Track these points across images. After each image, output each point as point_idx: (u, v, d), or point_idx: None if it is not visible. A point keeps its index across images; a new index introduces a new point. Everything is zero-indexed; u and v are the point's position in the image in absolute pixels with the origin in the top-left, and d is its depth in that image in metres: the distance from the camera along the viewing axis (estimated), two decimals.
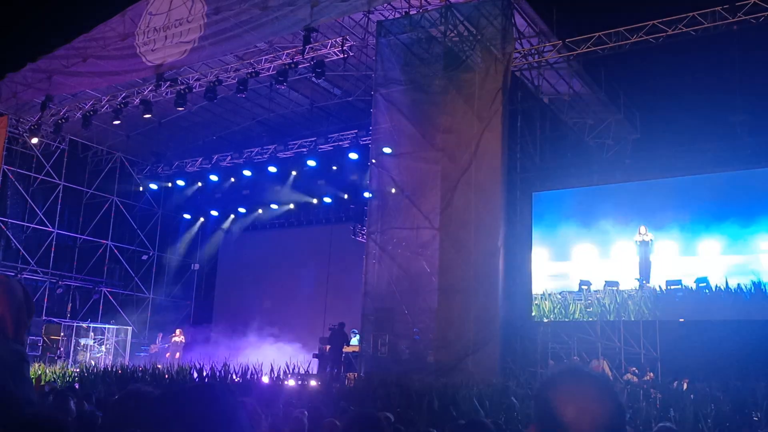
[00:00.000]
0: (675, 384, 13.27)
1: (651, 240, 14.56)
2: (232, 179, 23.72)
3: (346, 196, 22.98)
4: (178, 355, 20.37)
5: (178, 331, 21.43)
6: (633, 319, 14.69)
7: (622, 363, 16.21)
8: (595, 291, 15.07)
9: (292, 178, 22.83)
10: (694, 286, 14.12)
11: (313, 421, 5.27)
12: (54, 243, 22.48)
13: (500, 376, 12.05)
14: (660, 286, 14.51)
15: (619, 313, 14.76)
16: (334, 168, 21.58)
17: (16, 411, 1.66)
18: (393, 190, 14.35)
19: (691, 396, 10.46)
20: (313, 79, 16.86)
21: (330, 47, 16.05)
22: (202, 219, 26.50)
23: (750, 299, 13.43)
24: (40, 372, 14.97)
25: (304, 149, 21.80)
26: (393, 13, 15.21)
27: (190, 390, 1.59)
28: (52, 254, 22.38)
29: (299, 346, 19.34)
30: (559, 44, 15.10)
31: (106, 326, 22.87)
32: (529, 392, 10.91)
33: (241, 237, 25.90)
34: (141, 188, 24.96)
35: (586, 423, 1.51)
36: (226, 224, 26.32)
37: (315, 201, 23.96)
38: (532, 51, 15.58)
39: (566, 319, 15.85)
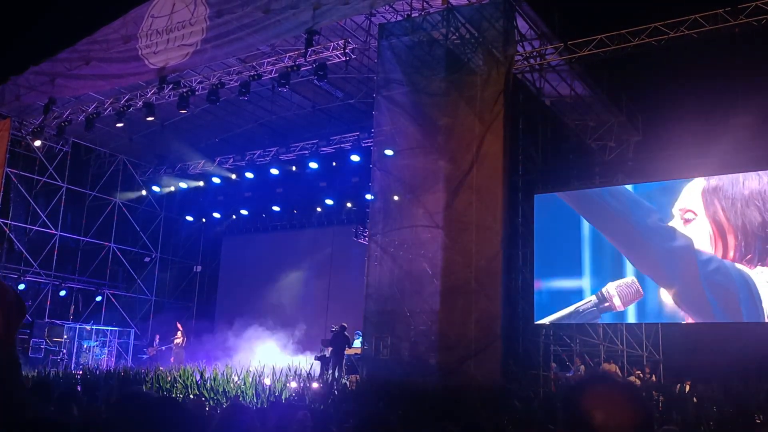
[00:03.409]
0: (678, 387, 13.27)
1: None
2: (233, 176, 23.64)
3: (348, 200, 23.01)
4: (182, 355, 20.38)
5: (179, 333, 21.43)
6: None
7: (624, 365, 16.20)
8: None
9: (293, 180, 22.84)
10: None
11: (316, 423, 5.27)
12: (57, 245, 22.49)
13: (502, 378, 12.06)
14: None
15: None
16: (334, 165, 21.57)
17: (17, 413, 1.69)
18: (395, 194, 14.37)
19: (694, 399, 10.46)
20: (315, 81, 16.85)
21: (332, 50, 16.07)
22: (204, 221, 26.53)
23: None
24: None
25: (306, 151, 21.82)
26: (395, 16, 15.24)
27: (149, 403, 1.57)
28: (55, 256, 22.40)
29: (301, 349, 19.36)
30: (561, 47, 15.09)
31: (109, 328, 22.90)
32: (531, 395, 10.93)
33: (243, 239, 25.93)
34: (143, 190, 25.00)
35: (616, 428, 1.52)
36: (229, 226, 26.34)
37: (317, 203, 23.97)
38: (534, 53, 15.58)
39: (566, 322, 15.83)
